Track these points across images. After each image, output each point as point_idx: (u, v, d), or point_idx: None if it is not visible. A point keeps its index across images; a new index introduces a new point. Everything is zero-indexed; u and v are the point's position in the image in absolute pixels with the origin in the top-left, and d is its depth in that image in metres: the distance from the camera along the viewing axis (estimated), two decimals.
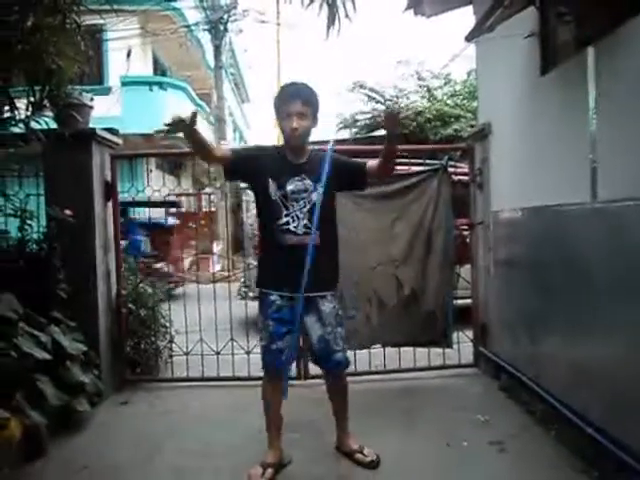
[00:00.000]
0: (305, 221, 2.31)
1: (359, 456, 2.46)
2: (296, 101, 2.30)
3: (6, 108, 2.76)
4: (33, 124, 2.92)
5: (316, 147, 2.55)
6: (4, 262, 2.98)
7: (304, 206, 2.32)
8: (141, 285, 3.89)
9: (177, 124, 2.07)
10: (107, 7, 3.22)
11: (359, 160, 2.50)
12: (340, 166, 2.42)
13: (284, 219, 2.31)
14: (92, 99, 3.41)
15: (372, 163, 2.42)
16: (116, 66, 11.94)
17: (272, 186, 2.33)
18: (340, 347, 2.39)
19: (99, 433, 2.87)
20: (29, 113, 2.74)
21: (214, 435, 2.81)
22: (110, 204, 3.56)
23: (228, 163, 2.40)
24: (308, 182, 2.34)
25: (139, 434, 2.86)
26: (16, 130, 2.89)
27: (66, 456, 2.59)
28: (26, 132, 2.81)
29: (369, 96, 11.54)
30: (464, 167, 4.14)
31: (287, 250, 2.31)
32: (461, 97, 11.10)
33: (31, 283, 2.97)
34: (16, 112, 2.72)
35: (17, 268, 3.02)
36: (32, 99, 2.73)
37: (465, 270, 3.91)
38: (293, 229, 2.31)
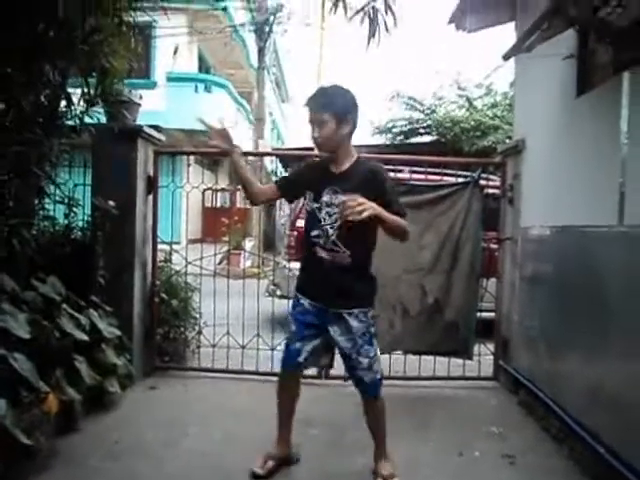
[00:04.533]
0: (333, 238, 2.22)
1: None
2: (314, 109, 2.25)
3: (63, 103, 2.95)
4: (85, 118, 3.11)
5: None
6: (51, 246, 3.18)
7: (335, 221, 2.21)
8: (174, 277, 4.07)
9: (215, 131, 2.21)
10: (159, 4, 3.39)
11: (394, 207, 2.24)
12: (380, 191, 2.21)
13: (315, 232, 2.26)
14: (141, 97, 3.59)
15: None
16: (162, 62, 12.30)
17: (309, 197, 2.31)
18: (365, 366, 2.28)
19: (129, 414, 3.03)
20: (83, 108, 2.92)
21: (236, 424, 2.93)
22: (151, 197, 3.73)
23: (279, 196, 2.49)
24: (341, 197, 2.16)
25: (166, 418, 3.01)
26: (69, 123, 3.09)
27: (98, 432, 2.75)
28: (79, 125, 2.99)
29: (407, 104, 11.56)
30: (496, 180, 4.17)
31: (318, 262, 2.27)
32: (501, 108, 11.01)
33: (73, 268, 3.15)
34: (72, 107, 2.90)
35: (62, 253, 3.21)
36: (86, 95, 2.91)
37: (491, 283, 3.94)
38: (322, 243, 2.25)
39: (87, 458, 2.49)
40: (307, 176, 2.40)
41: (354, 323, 2.27)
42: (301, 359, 2.36)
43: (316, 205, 2.27)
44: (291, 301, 2.53)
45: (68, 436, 2.64)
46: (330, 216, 2.23)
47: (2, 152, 2.36)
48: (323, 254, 2.25)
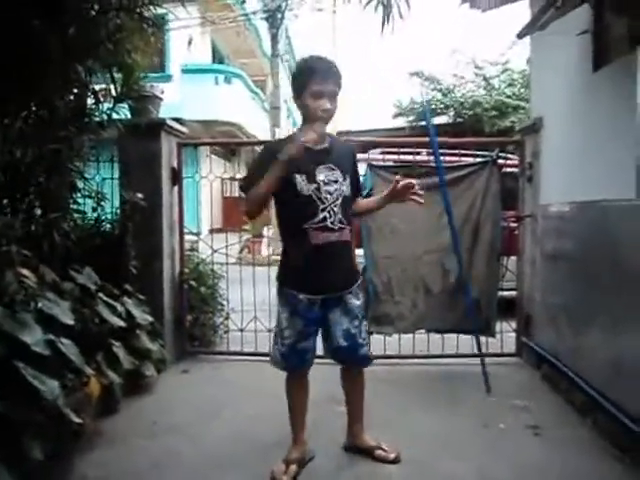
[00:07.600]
0: (340, 215, 2.14)
1: (380, 453, 2.38)
2: (330, 80, 2.09)
3: (90, 100, 3.06)
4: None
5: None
6: (83, 238, 3.31)
7: (337, 199, 2.13)
8: (201, 265, 4.19)
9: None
10: None
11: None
12: (355, 167, 2.32)
13: (321, 215, 2.10)
14: (162, 92, 3.68)
15: (363, 201, 2.40)
16: (176, 54, 12.38)
17: (300, 181, 2.10)
18: (366, 341, 2.32)
19: (164, 396, 3.18)
20: (111, 105, 3.03)
21: (264, 404, 3.01)
22: (176, 188, 3.84)
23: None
24: (338, 173, 2.16)
25: (199, 400, 3.14)
26: (96, 119, 3.20)
27: (137, 413, 2.91)
28: (107, 122, 3.10)
29: (427, 83, 11.49)
30: (515, 159, 4.18)
31: (321, 250, 2.12)
32: (519, 86, 10.88)
33: (106, 258, 3.29)
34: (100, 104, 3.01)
35: (93, 244, 3.34)
36: (113, 93, 3.02)
37: (512, 262, 3.98)
38: (330, 225, 2.11)
39: (129, 437, 2.64)
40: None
41: (354, 301, 2.24)
42: (309, 357, 2.29)
43: (314, 186, 2.11)
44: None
45: (110, 417, 2.79)
46: (331, 194, 2.13)
47: (41, 150, 2.47)
48: (330, 238, 2.12)
